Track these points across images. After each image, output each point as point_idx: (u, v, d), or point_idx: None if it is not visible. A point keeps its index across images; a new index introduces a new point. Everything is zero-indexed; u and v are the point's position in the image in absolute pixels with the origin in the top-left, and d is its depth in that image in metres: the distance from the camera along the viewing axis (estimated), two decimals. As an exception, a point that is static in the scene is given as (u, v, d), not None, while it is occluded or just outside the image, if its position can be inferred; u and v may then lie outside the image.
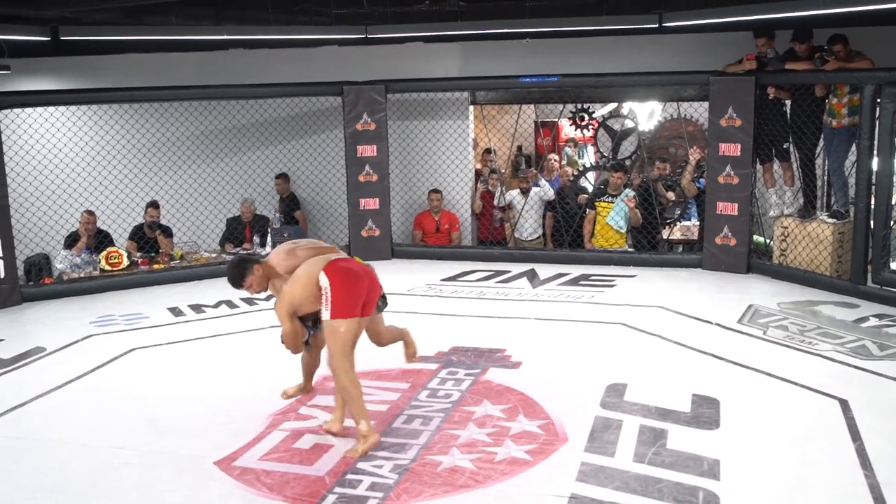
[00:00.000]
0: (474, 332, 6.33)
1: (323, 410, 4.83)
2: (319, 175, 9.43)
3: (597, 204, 8.65)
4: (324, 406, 4.90)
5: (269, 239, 8.81)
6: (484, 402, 4.92)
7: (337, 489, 3.88)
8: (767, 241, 8.43)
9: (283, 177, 9.49)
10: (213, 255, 8.74)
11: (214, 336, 6.44)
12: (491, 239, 9.39)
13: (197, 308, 7.21)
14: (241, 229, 9.08)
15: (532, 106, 10.90)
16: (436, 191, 9.22)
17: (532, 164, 10.41)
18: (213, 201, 9.24)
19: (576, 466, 4.08)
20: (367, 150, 8.83)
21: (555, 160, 9.98)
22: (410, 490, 3.88)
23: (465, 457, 4.21)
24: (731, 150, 7.94)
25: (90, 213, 8.37)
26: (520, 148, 11.19)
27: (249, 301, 7.32)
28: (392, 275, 8.21)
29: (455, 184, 9.38)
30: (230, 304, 7.28)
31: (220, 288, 7.75)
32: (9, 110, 7.75)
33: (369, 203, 8.90)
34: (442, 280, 8.02)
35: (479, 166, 10.15)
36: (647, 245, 8.71)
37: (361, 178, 8.85)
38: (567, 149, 11.05)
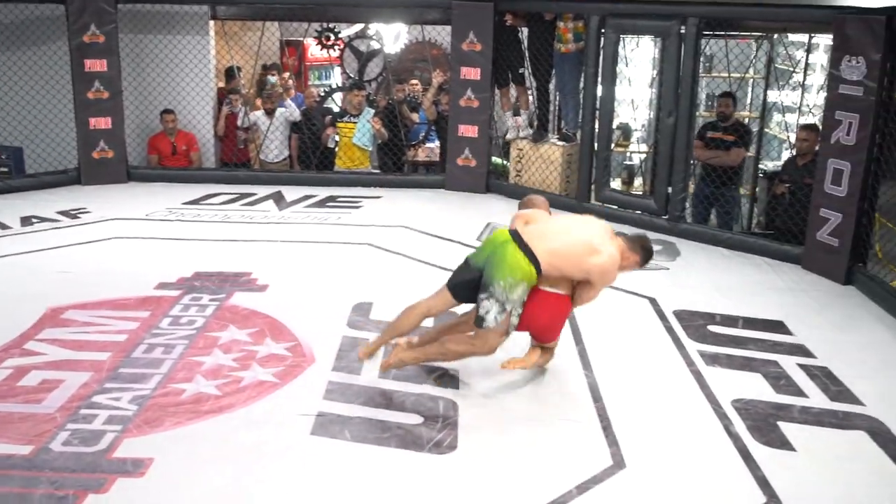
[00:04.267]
0: (219, 256, 6.15)
1: (51, 345, 4.52)
2: (41, 92, 8.58)
3: (339, 124, 8.59)
4: (51, 339, 4.59)
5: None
6: (230, 326, 4.84)
7: (70, 425, 3.67)
8: (504, 162, 8.86)
9: None
10: None
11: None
12: (235, 161, 9.09)
13: None
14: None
15: (277, 24, 10.56)
16: (168, 111, 8.72)
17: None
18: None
19: (323, 386, 4.15)
20: (97, 65, 8.15)
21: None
22: (152, 420, 3.75)
23: (210, 383, 4.13)
24: (472, 73, 8.19)
25: None
26: (265, 67, 10.84)
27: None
28: (129, 199, 7.80)
29: (195, 104, 8.92)
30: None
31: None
32: None
33: (100, 122, 8.27)
34: (183, 204, 7.68)
35: (222, 85, 9.72)
36: (392, 166, 8.85)
37: (90, 95, 8.18)
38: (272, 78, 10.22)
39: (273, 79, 9.66)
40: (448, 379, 4.24)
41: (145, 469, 3.38)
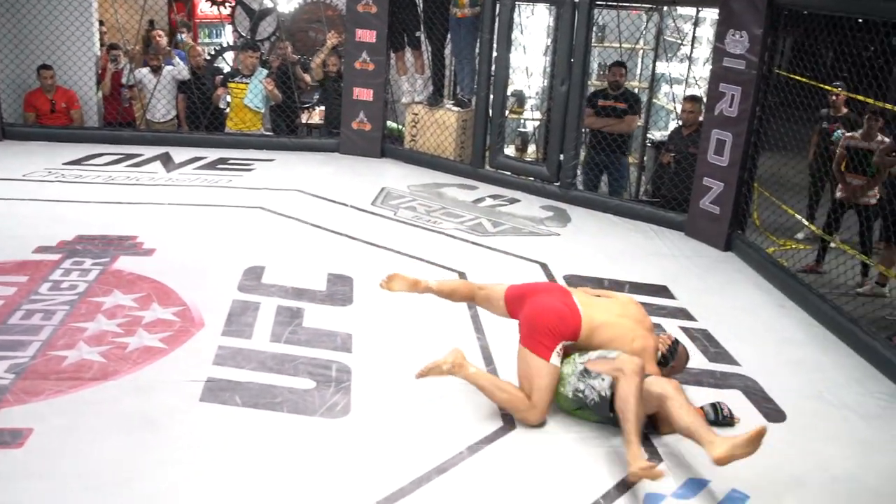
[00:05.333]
0: (102, 219, 5.93)
1: (-80, 310, 4.29)
2: None
3: (231, 85, 8.36)
4: (-79, 306, 4.35)
5: None
6: (114, 291, 4.68)
7: (-59, 395, 3.50)
8: (400, 126, 8.82)
9: None
10: None
11: None
12: (119, 120, 8.73)
13: None
14: None
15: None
16: (46, 66, 8.28)
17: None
18: None
19: (213, 351, 4.07)
20: (-33, 15, 7.69)
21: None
22: (31, 389, 3.60)
23: (93, 350, 4.00)
24: (368, 36, 8.08)
25: None
26: (151, 22, 10.43)
27: None
28: (5, 158, 7.42)
29: (75, 59, 8.49)
30: None
31: None
32: None
33: (-28, 76, 7.81)
34: (64, 164, 7.35)
35: (107, 41, 9.28)
36: (286, 129, 8.69)
37: (-40, 47, 7.72)
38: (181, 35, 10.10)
39: (182, 36, 9.32)
40: None
41: (24, 440, 3.25)
